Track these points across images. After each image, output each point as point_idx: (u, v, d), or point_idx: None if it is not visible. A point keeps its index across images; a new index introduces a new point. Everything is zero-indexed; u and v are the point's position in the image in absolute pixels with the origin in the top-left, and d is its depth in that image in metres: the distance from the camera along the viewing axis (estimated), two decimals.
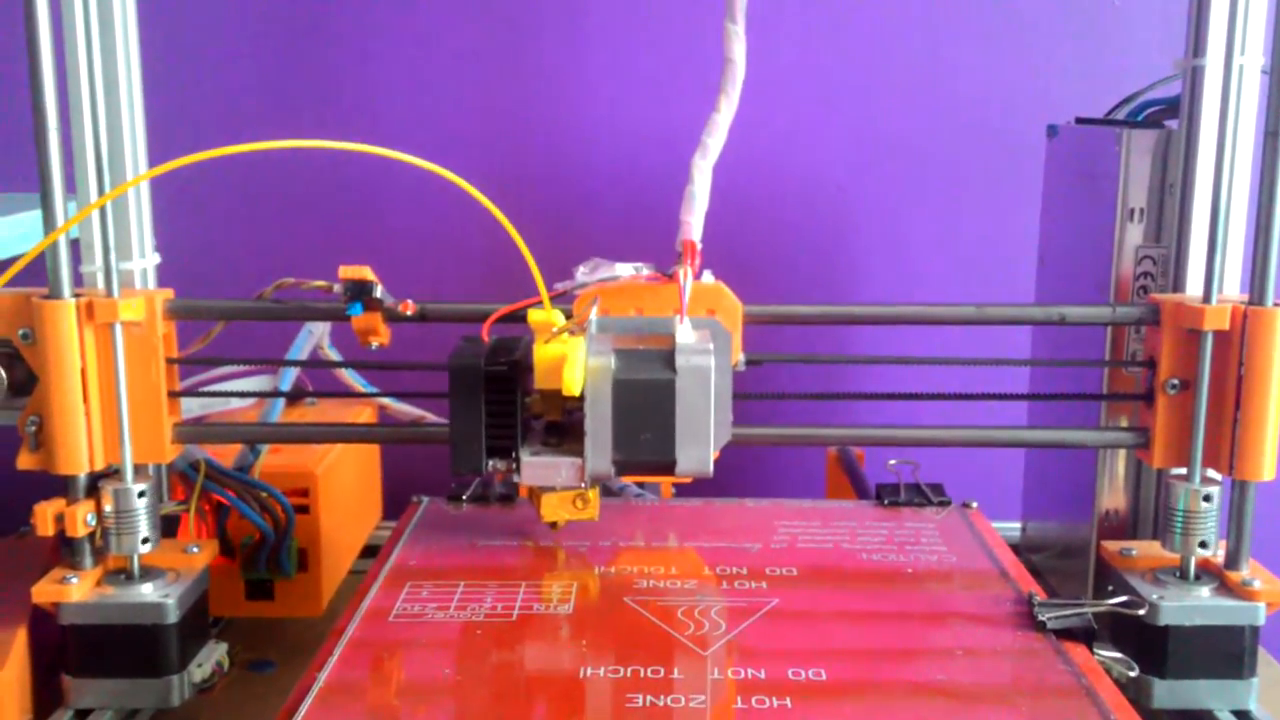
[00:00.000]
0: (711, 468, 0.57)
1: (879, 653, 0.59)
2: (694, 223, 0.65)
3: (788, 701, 0.53)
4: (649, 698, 0.53)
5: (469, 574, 0.66)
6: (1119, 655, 0.60)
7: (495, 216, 0.55)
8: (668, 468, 0.57)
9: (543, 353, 0.57)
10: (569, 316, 0.59)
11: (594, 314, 0.60)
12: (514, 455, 0.60)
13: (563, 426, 0.61)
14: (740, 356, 0.63)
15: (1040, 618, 0.61)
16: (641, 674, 0.56)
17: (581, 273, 0.62)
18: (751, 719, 0.52)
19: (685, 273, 0.61)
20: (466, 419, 0.60)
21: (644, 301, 0.62)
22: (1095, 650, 0.60)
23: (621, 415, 0.57)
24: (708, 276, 0.64)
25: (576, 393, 0.56)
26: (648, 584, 0.65)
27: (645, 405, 0.56)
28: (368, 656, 0.58)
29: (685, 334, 0.59)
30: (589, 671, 0.56)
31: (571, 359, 0.56)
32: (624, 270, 0.63)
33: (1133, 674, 0.60)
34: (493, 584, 0.65)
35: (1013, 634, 0.60)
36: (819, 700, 0.54)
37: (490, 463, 0.60)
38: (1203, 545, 0.63)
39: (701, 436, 0.57)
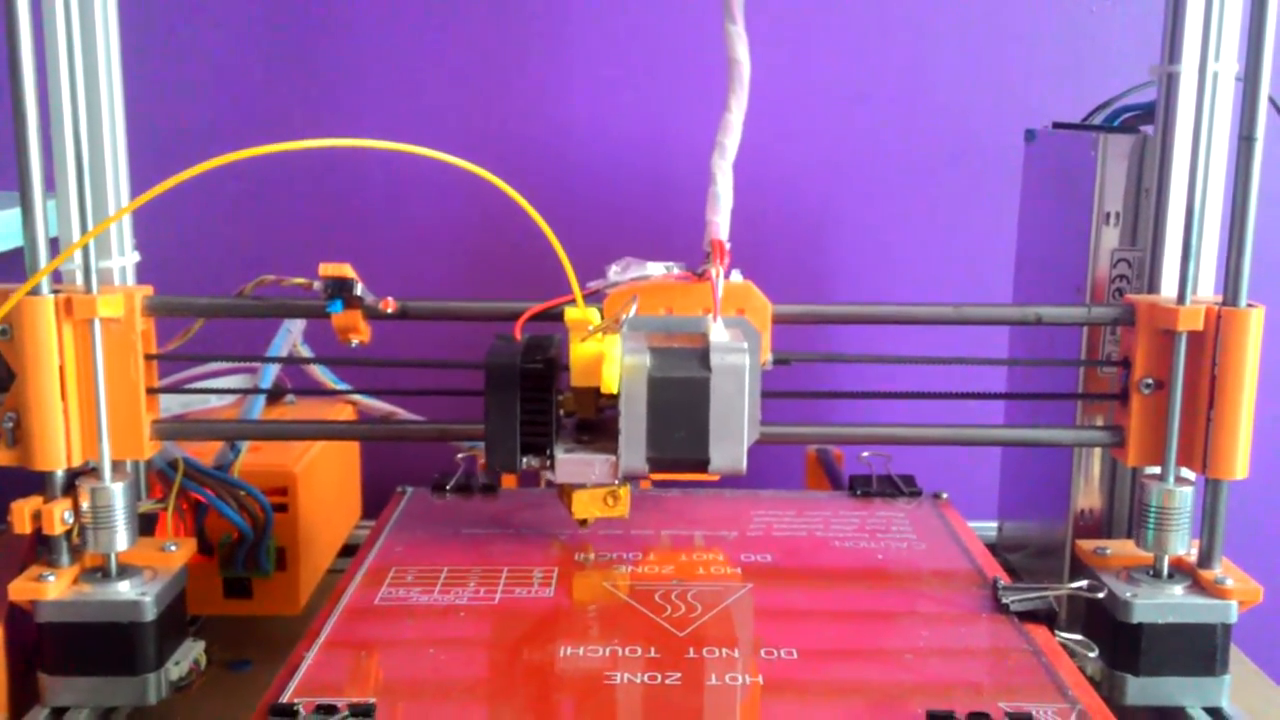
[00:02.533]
0: (745, 466, 0.58)
1: (848, 633, 0.61)
2: (720, 222, 0.66)
3: (760, 679, 0.55)
4: (627, 675, 0.55)
5: (452, 560, 0.68)
6: (1079, 637, 0.62)
7: (530, 215, 0.55)
8: (701, 465, 0.58)
9: (579, 351, 0.57)
10: (601, 315, 0.60)
11: (633, 312, 0.60)
12: (548, 452, 0.60)
13: (594, 424, 0.61)
14: (769, 356, 0.64)
15: (1004, 600, 0.62)
16: (620, 654, 0.57)
17: (613, 271, 0.63)
18: (725, 695, 0.54)
19: (717, 272, 0.61)
20: (502, 416, 0.60)
21: (674, 300, 0.63)
22: (1056, 632, 0.61)
23: (656, 413, 0.57)
24: (736, 275, 0.64)
25: (614, 390, 0.56)
26: (627, 570, 0.67)
27: (680, 403, 0.57)
28: (354, 637, 0.59)
29: (719, 333, 0.59)
30: (568, 651, 0.57)
31: (608, 357, 0.56)
32: (655, 269, 0.63)
33: (1092, 655, 0.61)
34: (476, 570, 0.66)
35: (977, 616, 0.62)
36: (790, 679, 0.55)
37: (524, 460, 0.60)
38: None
39: (735, 434, 0.57)
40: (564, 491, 0.66)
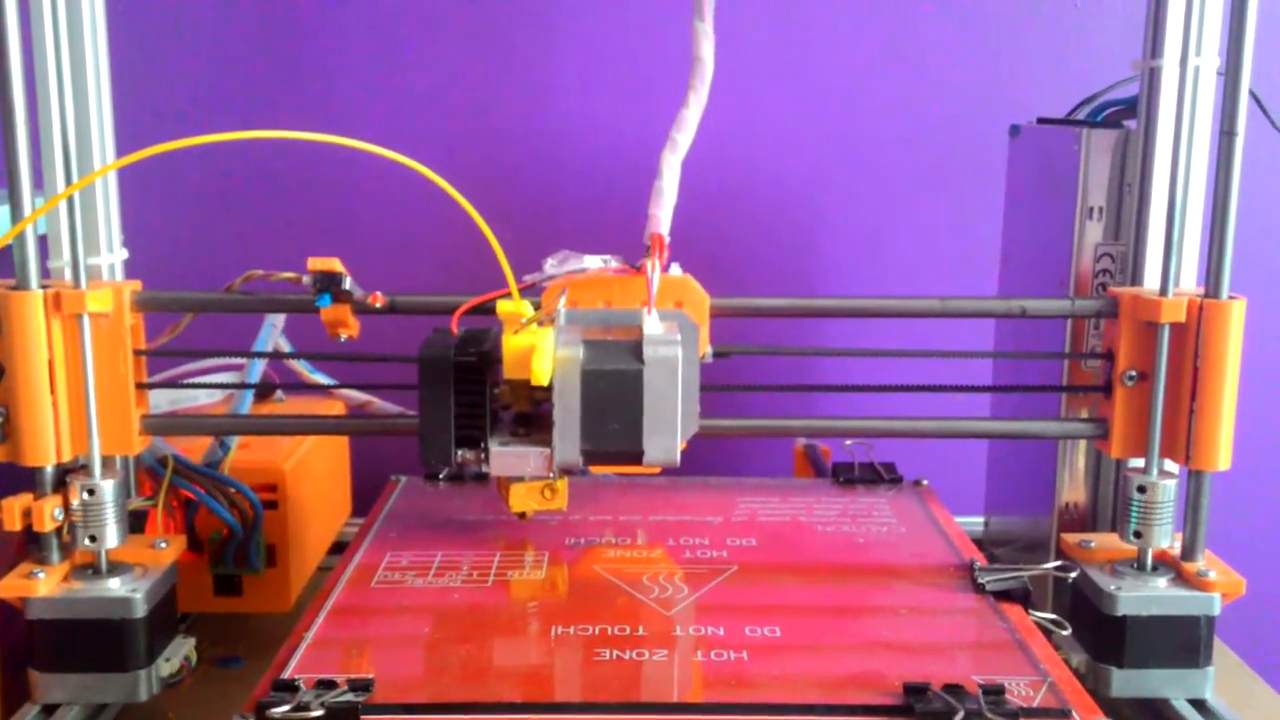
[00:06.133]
0: (678, 458, 0.58)
1: (829, 612, 0.63)
2: (662, 216, 0.66)
3: (744, 655, 0.57)
4: (616, 652, 0.57)
5: (446, 545, 0.70)
6: (1053, 616, 0.63)
7: (464, 208, 0.55)
8: (635, 457, 0.58)
9: (511, 343, 0.57)
10: (538, 308, 0.60)
11: (562, 305, 0.60)
12: (483, 446, 0.60)
13: (531, 417, 0.61)
14: (707, 348, 0.64)
15: (980, 580, 0.64)
16: (609, 632, 0.59)
17: (550, 265, 0.63)
18: (710, 671, 0.56)
19: (653, 265, 0.62)
20: (436, 410, 0.60)
21: (612, 294, 0.63)
22: (1030, 611, 0.62)
23: (589, 405, 0.57)
24: (675, 269, 0.65)
25: (545, 382, 0.56)
26: (615, 554, 0.69)
27: (613, 395, 0.57)
28: (351, 618, 0.61)
29: (653, 325, 0.60)
30: (559, 630, 0.59)
31: (540, 349, 0.56)
32: (592, 263, 0.63)
33: (1065, 632, 0.63)
34: (469, 554, 0.68)
35: (954, 596, 0.64)
36: (773, 654, 0.57)
37: (459, 453, 0.61)
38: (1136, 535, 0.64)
39: (669, 427, 0.57)
40: (501, 485, 0.66)
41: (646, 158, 0.68)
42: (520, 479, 0.65)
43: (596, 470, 0.77)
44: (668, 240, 0.64)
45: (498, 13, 0.97)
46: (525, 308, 0.58)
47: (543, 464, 0.59)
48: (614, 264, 0.64)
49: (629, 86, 0.98)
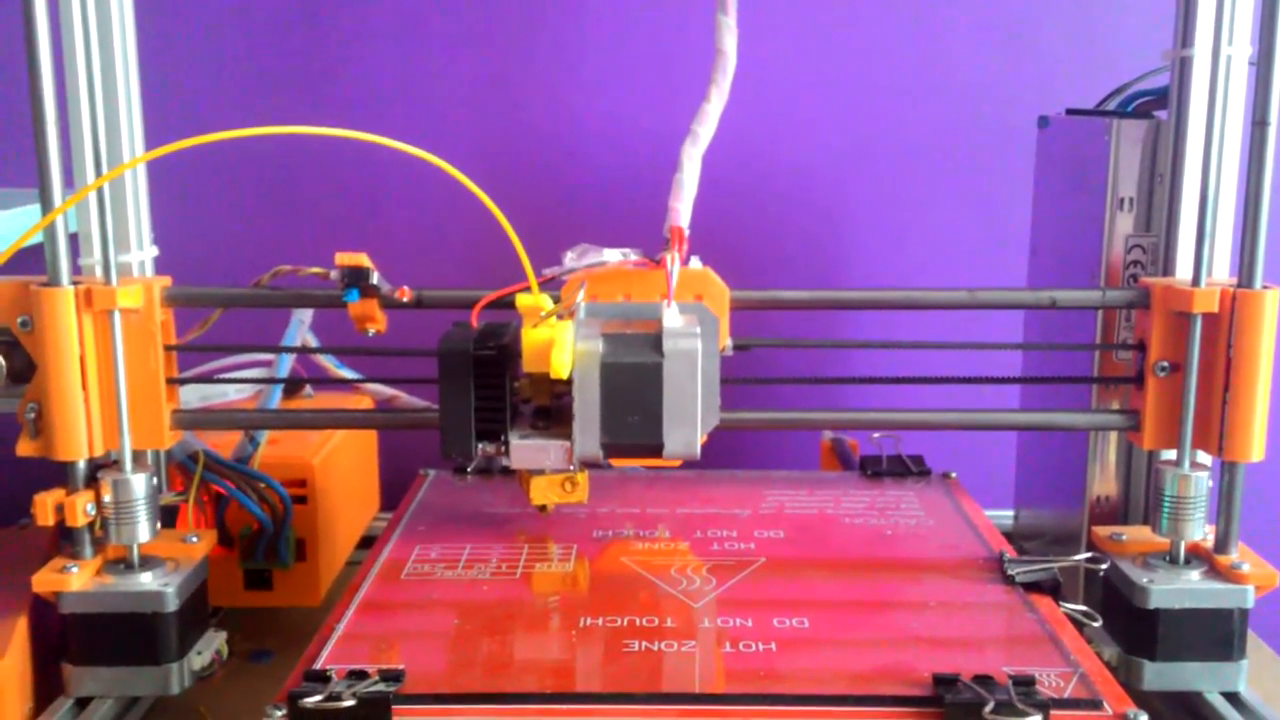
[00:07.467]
0: (699, 451, 0.58)
1: (858, 604, 0.63)
2: (682, 209, 0.66)
3: (772, 647, 0.57)
4: (643, 644, 0.57)
5: (475, 537, 0.70)
6: (1083, 608, 0.62)
7: (483, 202, 0.56)
8: (655, 450, 0.58)
9: (531, 337, 0.57)
10: (557, 301, 0.60)
11: (581, 298, 0.60)
12: (503, 439, 0.61)
13: (551, 410, 0.61)
14: (728, 341, 0.64)
15: (1009, 572, 0.64)
16: (637, 624, 0.59)
17: (569, 258, 0.63)
18: (738, 662, 0.56)
19: (673, 258, 0.62)
20: (456, 403, 0.60)
21: (632, 287, 0.63)
22: (1060, 602, 0.62)
23: (609, 398, 0.57)
24: (695, 262, 0.65)
25: (564, 375, 0.56)
26: (643, 546, 0.70)
27: (633, 388, 0.57)
28: (381, 610, 0.62)
29: (672, 318, 0.59)
30: (587, 621, 0.60)
31: (559, 342, 0.56)
32: (612, 256, 0.63)
33: (1096, 624, 0.62)
34: (497, 546, 0.69)
35: (983, 588, 0.64)
36: (802, 647, 0.57)
37: (479, 446, 0.61)
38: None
39: (689, 420, 0.57)
40: (523, 478, 0.67)
41: (667, 151, 0.68)
42: (541, 472, 0.65)
43: (622, 463, 0.78)
44: (687, 233, 0.64)
45: (520, 6, 0.97)
46: (545, 301, 0.58)
47: (563, 457, 0.59)
48: (633, 257, 0.64)
49: (650, 79, 0.98)
